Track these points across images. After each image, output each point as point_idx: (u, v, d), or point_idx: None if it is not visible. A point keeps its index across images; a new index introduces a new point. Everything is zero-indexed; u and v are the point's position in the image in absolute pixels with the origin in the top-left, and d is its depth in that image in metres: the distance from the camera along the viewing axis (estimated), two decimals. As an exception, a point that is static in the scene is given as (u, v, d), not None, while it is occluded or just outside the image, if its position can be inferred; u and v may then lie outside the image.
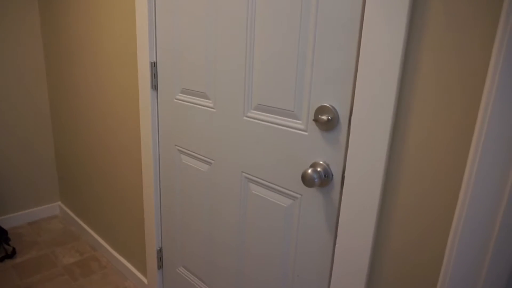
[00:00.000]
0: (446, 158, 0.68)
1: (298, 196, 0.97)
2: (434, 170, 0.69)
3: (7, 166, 2.15)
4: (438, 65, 0.66)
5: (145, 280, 1.68)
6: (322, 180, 0.88)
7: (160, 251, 1.55)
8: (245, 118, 1.06)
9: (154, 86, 1.36)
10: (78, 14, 1.73)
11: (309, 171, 0.86)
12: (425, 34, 0.67)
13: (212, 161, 1.20)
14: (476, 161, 0.62)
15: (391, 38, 0.70)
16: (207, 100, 1.17)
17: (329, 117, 0.85)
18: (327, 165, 0.88)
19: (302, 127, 0.92)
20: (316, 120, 0.87)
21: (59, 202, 2.42)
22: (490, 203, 0.61)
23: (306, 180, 0.86)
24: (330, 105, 0.85)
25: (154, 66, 1.34)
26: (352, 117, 0.79)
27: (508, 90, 0.57)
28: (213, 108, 1.15)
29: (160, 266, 1.57)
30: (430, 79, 0.68)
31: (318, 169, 0.88)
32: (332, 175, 0.88)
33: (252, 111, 1.04)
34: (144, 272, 1.70)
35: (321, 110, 0.86)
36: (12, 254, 1.92)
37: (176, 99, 1.29)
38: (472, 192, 0.63)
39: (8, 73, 2.04)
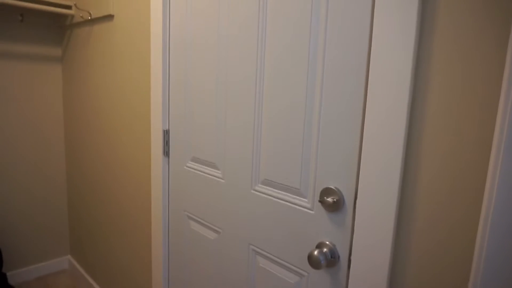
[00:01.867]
0: (454, 241, 0.68)
1: (305, 274, 0.96)
2: (443, 251, 0.69)
3: (19, 219, 2.19)
4: (443, 157, 0.68)
5: None
6: (328, 261, 0.88)
7: (166, 317, 1.52)
8: (252, 191, 1.08)
9: (166, 153, 1.41)
10: (97, 82, 1.84)
11: (315, 252, 0.86)
12: (424, 133, 0.70)
13: (220, 230, 1.21)
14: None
15: (392, 124, 0.73)
16: (216, 171, 1.21)
17: (335, 199, 0.86)
18: (334, 245, 0.89)
19: (308, 205, 0.94)
20: (321, 201, 0.88)
21: (69, 256, 2.42)
22: None
23: (312, 261, 0.86)
24: (335, 188, 0.87)
25: (167, 133, 1.40)
26: (357, 200, 0.81)
27: None
28: (222, 179, 1.18)
29: (166, 333, 1.54)
30: (435, 168, 0.70)
31: (324, 249, 0.88)
32: (339, 256, 0.88)
33: (260, 185, 1.06)
34: (149, 337, 1.65)
35: (326, 192, 0.88)
36: (18, 313, 1.90)
37: (186, 166, 1.33)
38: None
39: (27, 129, 2.14)
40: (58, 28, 2.18)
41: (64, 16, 2.10)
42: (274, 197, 1.02)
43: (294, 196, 0.97)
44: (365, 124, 0.78)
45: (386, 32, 0.73)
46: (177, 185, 1.38)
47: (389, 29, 0.72)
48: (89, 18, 1.82)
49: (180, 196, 1.37)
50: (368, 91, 0.77)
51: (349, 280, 0.84)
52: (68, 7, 1.97)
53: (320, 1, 0.87)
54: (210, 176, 1.23)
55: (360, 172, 0.80)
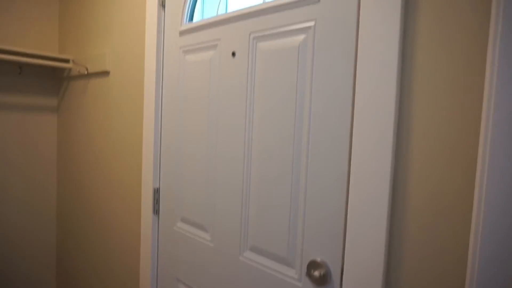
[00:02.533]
0: None
1: None
2: None
3: (6, 260, 2.13)
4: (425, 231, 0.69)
5: None
6: (316, 339, 0.86)
7: None
8: (241, 258, 1.07)
9: (156, 211, 1.40)
10: (92, 134, 1.86)
11: (303, 330, 0.84)
12: (407, 211, 0.71)
13: (209, 295, 1.19)
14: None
15: (376, 200, 0.74)
16: (205, 233, 1.20)
17: (321, 273, 0.86)
18: (322, 321, 0.87)
19: (296, 276, 0.93)
20: (309, 275, 0.88)
21: (53, 309, 2.33)
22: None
23: None
24: (322, 261, 0.87)
25: (157, 192, 1.40)
26: (344, 275, 0.81)
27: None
28: (211, 243, 1.18)
29: None
30: (419, 245, 0.70)
31: (313, 326, 0.86)
32: (327, 332, 0.86)
33: (249, 251, 1.05)
34: None
35: (313, 265, 0.88)
36: None
37: (176, 227, 1.32)
38: None
39: (21, 169, 2.14)
40: (55, 80, 2.24)
41: (62, 69, 2.16)
42: (262, 265, 1.01)
43: (282, 266, 0.96)
44: (349, 199, 0.79)
45: (367, 97, 0.76)
46: (166, 246, 1.37)
47: (370, 97, 0.76)
48: (86, 72, 1.87)
49: (170, 258, 1.35)
50: (350, 175, 0.79)
51: None
52: (67, 60, 2.03)
53: (306, 56, 0.91)
54: (199, 239, 1.22)
55: (346, 244, 0.80)
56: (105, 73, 1.74)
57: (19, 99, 2.11)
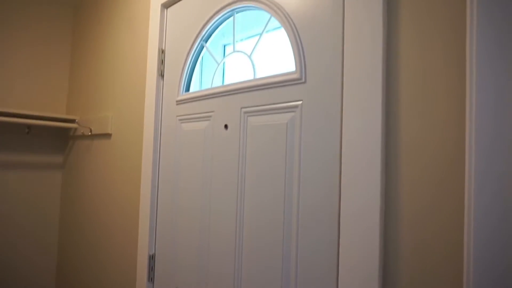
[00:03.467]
0: None
1: None
2: None
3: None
4: None
5: None
6: None
7: None
8: (233, 338, 1.02)
9: (151, 279, 1.37)
10: (93, 192, 1.88)
11: None
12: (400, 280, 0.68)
13: None
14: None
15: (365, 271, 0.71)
16: (198, 307, 1.16)
17: None
18: None
19: None
20: None
21: None
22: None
23: None
24: None
25: (152, 258, 1.38)
26: None
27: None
28: (204, 319, 1.13)
29: None
30: None
31: None
32: None
33: (241, 331, 1.01)
34: None
35: None
36: None
37: (170, 297, 1.28)
38: None
39: (26, 204, 2.13)
40: (61, 139, 2.30)
41: (68, 128, 2.23)
42: None
43: None
44: (339, 268, 0.76)
45: (353, 173, 0.76)
46: (160, 315, 1.32)
47: (356, 174, 0.75)
48: (90, 133, 1.92)
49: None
50: (340, 250, 0.77)
51: None
52: (72, 121, 2.10)
53: (294, 133, 0.92)
54: (192, 313, 1.18)
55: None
56: (108, 135, 1.79)
57: (26, 158, 2.16)
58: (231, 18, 1.19)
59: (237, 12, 1.16)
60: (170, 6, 1.43)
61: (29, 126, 2.17)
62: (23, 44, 2.15)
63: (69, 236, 2.11)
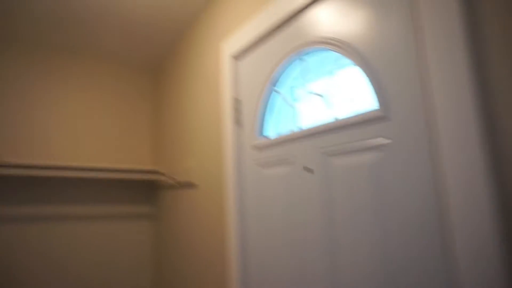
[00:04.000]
0: None
1: None
2: None
3: None
4: None
5: None
6: None
7: None
8: None
9: (245, 329, 1.35)
10: (181, 242, 1.96)
11: None
12: None
13: None
14: None
15: None
16: None
17: None
18: None
19: None
20: None
21: None
22: None
23: None
24: None
25: (245, 308, 1.36)
26: None
27: None
28: None
29: None
30: None
31: None
32: None
33: None
34: None
35: None
36: None
37: None
38: None
39: (119, 253, 2.28)
40: (149, 190, 2.48)
41: (154, 180, 2.40)
42: None
43: None
44: None
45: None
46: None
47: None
48: (175, 183, 2.04)
49: None
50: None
51: None
52: (158, 172, 2.25)
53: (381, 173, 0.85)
54: None
55: None
56: (192, 185, 1.87)
57: (118, 209, 2.36)
58: (302, 60, 1.20)
59: (306, 55, 1.17)
60: (239, 56, 1.50)
61: (122, 180, 2.38)
62: (111, 105, 2.42)
63: (161, 282, 2.20)
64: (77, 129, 2.29)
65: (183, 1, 1.77)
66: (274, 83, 1.29)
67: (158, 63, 2.50)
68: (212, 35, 1.73)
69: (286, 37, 1.23)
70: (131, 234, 2.38)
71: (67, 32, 2.03)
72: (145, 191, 2.46)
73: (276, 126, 1.37)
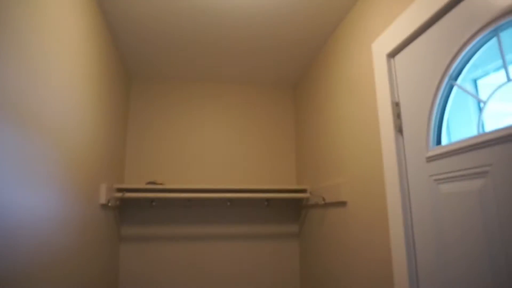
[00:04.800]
0: None
1: None
2: None
3: None
4: None
5: None
6: None
7: None
8: None
9: None
10: (332, 266, 1.78)
11: None
12: None
13: None
14: None
15: None
16: None
17: None
18: None
19: None
20: None
21: None
22: None
23: None
24: None
25: None
26: None
27: None
28: None
29: None
30: None
31: None
32: None
33: None
34: None
35: None
36: None
37: None
38: None
39: (268, 270, 2.22)
40: (295, 209, 2.39)
41: (301, 199, 2.30)
42: None
43: None
44: None
45: None
46: None
47: None
48: (323, 202, 1.89)
49: None
50: None
51: None
52: (304, 191, 2.15)
53: None
54: None
55: None
56: (342, 203, 1.69)
57: (266, 228, 2.34)
58: (492, 40, 0.92)
59: (502, 31, 0.88)
60: (396, 54, 1.28)
61: (267, 200, 2.37)
62: (256, 128, 2.46)
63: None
64: (227, 153, 2.40)
65: (325, 8, 1.66)
66: (452, 76, 1.02)
67: (297, 78, 2.46)
68: (362, 34, 1.55)
69: (461, 17, 0.96)
70: (280, 252, 2.32)
71: (212, 58, 2.16)
72: (292, 211, 2.39)
73: (457, 131, 1.09)
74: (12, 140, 0.84)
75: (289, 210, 2.39)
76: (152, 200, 2.25)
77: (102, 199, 1.71)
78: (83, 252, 1.43)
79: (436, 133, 1.09)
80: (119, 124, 2.07)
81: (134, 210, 2.22)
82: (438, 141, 1.08)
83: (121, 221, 2.20)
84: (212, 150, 2.39)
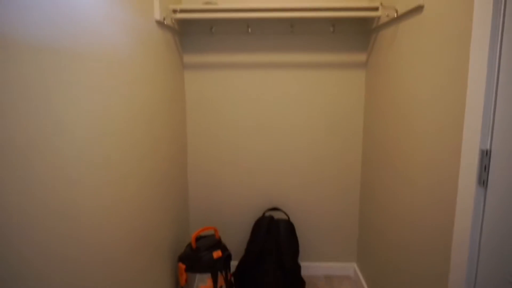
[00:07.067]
0: None
1: None
2: None
3: (318, 220, 2.36)
4: None
5: None
6: None
7: None
8: None
9: (483, 182, 1.00)
10: (398, 87, 1.63)
11: None
12: None
13: None
14: None
15: None
16: None
17: None
18: None
19: None
20: None
21: (355, 264, 2.39)
22: None
23: None
24: None
25: (486, 155, 0.99)
26: None
27: None
28: None
29: None
30: None
31: None
32: None
33: None
34: None
35: None
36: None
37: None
38: None
39: (336, 122, 2.25)
40: (363, 34, 2.15)
41: (371, 19, 2.04)
42: None
43: None
44: None
45: None
46: (497, 229, 0.96)
47: None
48: (395, 15, 1.63)
49: (503, 246, 0.94)
50: None
51: None
52: (375, 9, 1.87)
53: None
54: None
55: None
56: (418, 10, 1.43)
57: (331, 57, 2.19)
58: None
59: None
60: None
61: (333, 25, 2.14)
62: None
63: (373, 139, 2.02)
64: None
65: None
66: None
67: None
68: None
69: None
70: (345, 83, 2.21)
71: None
72: (360, 37, 2.16)
73: None
74: None
75: (357, 37, 2.16)
76: (211, 26, 2.18)
77: (157, 15, 1.67)
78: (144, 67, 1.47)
79: None
80: None
81: (194, 38, 2.20)
82: None
83: (183, 49, 2.21)
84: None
